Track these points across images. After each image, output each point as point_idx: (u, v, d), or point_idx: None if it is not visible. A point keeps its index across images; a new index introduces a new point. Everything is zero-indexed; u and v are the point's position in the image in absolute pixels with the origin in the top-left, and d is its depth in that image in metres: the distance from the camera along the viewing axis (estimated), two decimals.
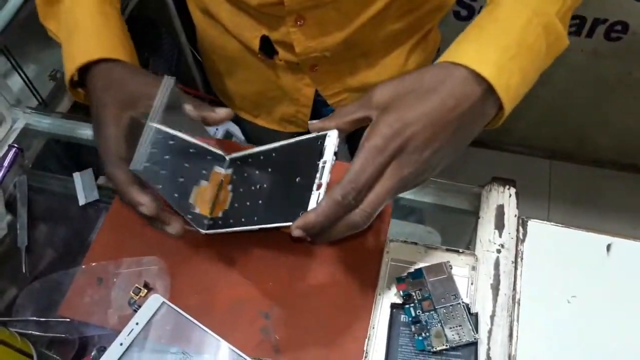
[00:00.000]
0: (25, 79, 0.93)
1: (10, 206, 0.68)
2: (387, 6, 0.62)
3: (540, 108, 1.59)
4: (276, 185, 0.51)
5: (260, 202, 0.52)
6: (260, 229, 0.49)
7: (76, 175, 0.68)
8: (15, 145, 0.70)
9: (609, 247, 0.59)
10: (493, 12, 0.47)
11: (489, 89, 0.44)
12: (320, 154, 0.46)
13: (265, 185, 0.52)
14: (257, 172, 0.54)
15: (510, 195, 0.62)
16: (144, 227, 0.62)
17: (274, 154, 0.53)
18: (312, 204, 0.44)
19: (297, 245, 0.59)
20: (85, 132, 0.73)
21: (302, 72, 0.69)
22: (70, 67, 0.54)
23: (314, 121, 0.48)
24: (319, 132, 0.48)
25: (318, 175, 0.45)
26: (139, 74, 0.53)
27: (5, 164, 0.68)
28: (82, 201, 0.67)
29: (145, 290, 0.57)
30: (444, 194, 0.64)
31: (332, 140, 0.46)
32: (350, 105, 0.46)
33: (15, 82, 0.95)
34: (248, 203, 0.53)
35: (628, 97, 1.49)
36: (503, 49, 0.44)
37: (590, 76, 1.46)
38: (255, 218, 0.50)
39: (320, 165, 0.46)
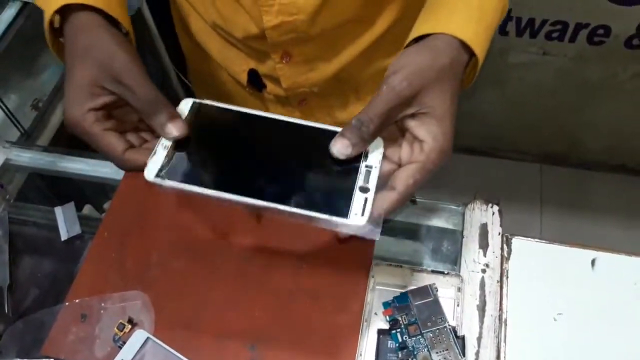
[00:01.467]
0: (6, 110, 0.93)
1: None
2: (376, 42, 0.62)
3: (528, 113, 1.60)
4: (285, 165, 0.45)
5: (272, 177, 0.44)
6: (296, 213, 0.42)
7: (57, 210, 0.67)
8: None
9: (593, 261, 0.59)
10: None
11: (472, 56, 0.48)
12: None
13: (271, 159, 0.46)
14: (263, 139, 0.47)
15: (493, 213, 0.62)
16: (127, 261, 0.62)
17: (286, 129, 0.46)
18: (356, 208, 0.42)
19: (280, 272, 0.59)
20: (67, 164, 0.72)
21: (291, 106, 0.69)
22: (47, 10, 0.47)
23: (343, 145, 0.43)
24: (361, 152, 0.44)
25: (362, 177, 0.43)
26: (120, 47, 0.46)
27: None
28: (64, 236, 0.66)
29: (130, 326, 0.57)
30: (428, 213, 0.64)
31: (378, 148, 0.44)
32: (382, 113, 0.43)
33: None
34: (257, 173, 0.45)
35: (615, 99, 1.50)
36: (482, 20, 0.48)
37: (576, 80, 1.47)
38: (285, 199, 0.43)
39: (364, 167, 0.43)
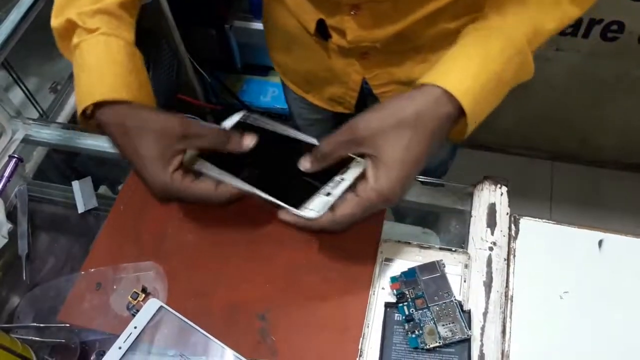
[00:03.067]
0: (26, 91, 0.95)
1: (11, 216, 0.69)
2: (444, 6, 0.63)
3: (540, 109, 1.60)
4: (279, 164, 0.56)
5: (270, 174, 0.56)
6: (266, 199, 0.52)
7: (75, 184, 0.69)
8: (15, 155, 0.71)
9: (600, 242, 0.60)
10: (482, 39, 0.52)
11: (461, 113, 0.49)
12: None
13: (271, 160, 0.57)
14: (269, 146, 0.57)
15: (501, 194, 0.62)
16: (141, 233, 0.63)
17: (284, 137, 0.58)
18: (315, 205, 0.50)
19: (291, 246, 0.60)
20: (84, 141, 0.74)
21: (352, 58, 0.71)
22: (78, 107, 0.54)
23: (306, 161, 0.53)
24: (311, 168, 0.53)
25: (331, 184, 0.52)
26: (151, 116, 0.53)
27: (6, 174, 0.69)
28: (81, 209, 0.68)
29: (143, 295, 0.58)
30: (437, 194, 0.65)
31: (359, 168, 0.52)
32: (334, 143, 0.51)
33: (17, 94, 0.97)
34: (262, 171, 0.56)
35: (628, 96, 1.49)
36: (483, 83, 0.49)
37: (588, 76, 1.47)
38: (266, 188, 0.53)
39: (338, 178, 0.52)
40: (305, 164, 0.53)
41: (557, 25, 0.53)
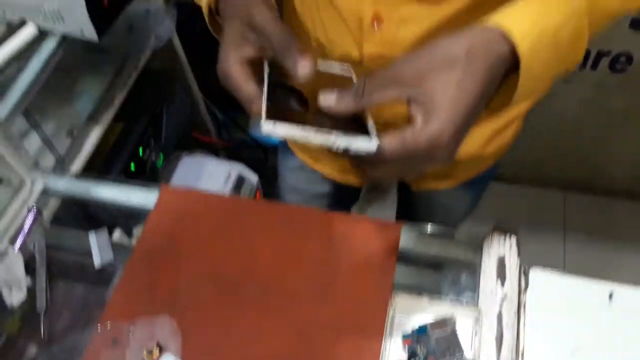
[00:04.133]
0: (44, 138, 0.98)
1: (29, 266, 0.70)
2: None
3: (552, 140, 1.60)
4: None
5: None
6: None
7: (92, 235, 0.70)
8: (35, 207, 0.73)
9: (611, 295, 0.60)
10: None
11: (515, 62, 0.44)
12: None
13: None
14: None
15: (510, 246, 0.63)
16: (157, 287, 0.64)
17: None
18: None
19: (301, 302, 0.61)
20: (101, 192, 0.76)
21: None
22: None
23: (331, 96, 0.46)
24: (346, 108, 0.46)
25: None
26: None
27: (25, 228, 0.71)
28: (97, 262, 0.69)
29: (158, 351, 0.59)
30: (448, 246, 0.65)
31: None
32: (376, 80, 0.45)
33: (34, 138, 0.99)
34: None
35: (638, 127, 1.49)
36: (541, 32, 0.43)
37: (598, 107, 1.47)
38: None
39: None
40: (328, 100, 0.45)
41: (619, 6, 0.48)
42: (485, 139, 0.73)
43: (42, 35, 0.89)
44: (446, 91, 0.42)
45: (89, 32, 0.83)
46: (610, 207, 1.70)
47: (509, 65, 0.44)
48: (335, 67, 0.56)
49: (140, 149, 1.20)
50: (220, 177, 1.35)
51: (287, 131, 0.44)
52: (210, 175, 1.37)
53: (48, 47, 0.88)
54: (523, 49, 0.43)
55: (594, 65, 1.36)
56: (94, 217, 1.03)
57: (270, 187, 1.60)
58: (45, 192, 0.78)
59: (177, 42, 1.21)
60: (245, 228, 0.68)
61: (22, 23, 0.86)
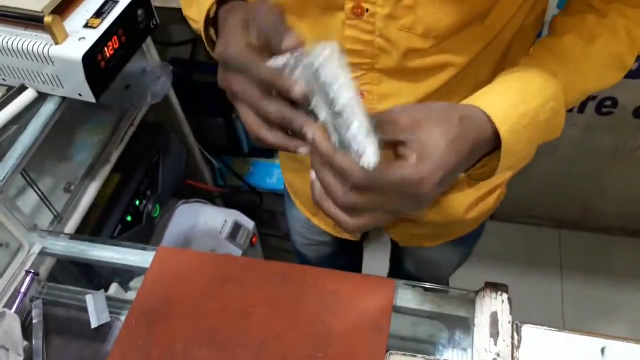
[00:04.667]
0: (41, 195, 0.99)
1: (26, 328, 0.71)
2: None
3: (543, 179, 1.62)
4: None
5: None
6: None
7: (88, 298, 0.71)
8: (32, 270, 0.74)
9: (603, 350, 0.60)
10: (523, 73, 0.51)
11: (497, 145, 0.47)
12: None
13: None
14: None
15: (502, 301, 0.64)
16: (152, 349, 0.65)
17: None
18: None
19: None
20: (97, 253, 0.76)
21: None
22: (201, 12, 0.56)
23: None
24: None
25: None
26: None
27: (22, 289, 0.72)
28: (94, 323, 0.70)
29: None
30: (441, 301, 0.66)
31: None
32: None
33: (31, 196, 1.00)
34: None
35: (626, 165, 1.52)
36: (521, 115, 0.47)
37: (587, 148, 1.50)
38: None
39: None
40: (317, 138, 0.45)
41: (594, 86, 0.54)
42: (467, 205, 0.75)
43: (41, 96, 0.91)
44: (439, 142, 0.44)
45: (87, 94, 0.86)
46: (604, 243, 1.72)
47: (493, 144, 0.48)
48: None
49: (137, 201, 1.21)
50: (217, 224, 1.36)
51: None
52: (206, 222, 1.38)
53: (47, 109, 0.90)
54: (504, 133, 0.46)
55: (581, 110, 1.40)
56: (91, 271, 1.04)
57: (266, 229, 1.61)
58: (43, 253, 0.78)
59: (173, 98, 1.24)
60: (240, 287, 0.69)
61: (22, 87, 0.88)
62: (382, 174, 0.43)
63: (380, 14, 0.55)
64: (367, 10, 0.55)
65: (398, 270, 1.07)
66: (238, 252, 1.31)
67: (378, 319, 0.64)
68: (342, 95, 0.43)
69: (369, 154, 0.42)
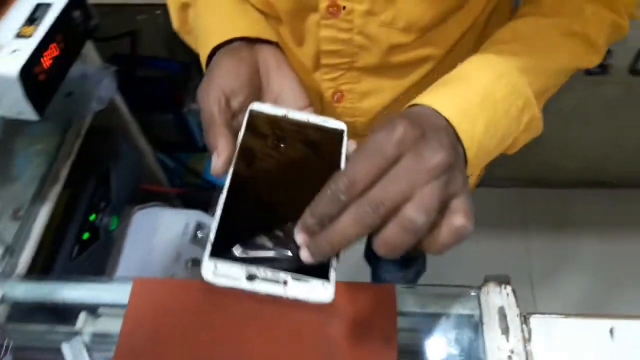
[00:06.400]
0: None
1: None
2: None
3: None
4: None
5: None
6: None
7: (65, 347, 0.65)
8: None
9: (611, 330, 0.60)
10: (458, 70, 0.48)
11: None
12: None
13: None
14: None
15: (508, 295, 0.62)
16: None
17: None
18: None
19: None
20: (65, 294, 0.70)
21: None
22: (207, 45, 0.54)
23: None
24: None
25: None
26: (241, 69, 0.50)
27: None
28: None
29: None
30: (443, 301, 0.64)
31: None
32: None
33: None
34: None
35: (585, 122, 1.56)
36: (465, 98, 0.44)
37: (549, 110, 1.52)
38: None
39: None
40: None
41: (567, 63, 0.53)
42: None
43: None
44: (389, 125, 0.40)
45: (28, 112, 0.77)
46: (566, 197, 1.77)
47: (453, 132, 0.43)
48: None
49: (92, 216, 1.13)
50: (178, 227, 1.29)
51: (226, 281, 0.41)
52: (167, 227, 1.31)
53: None
54: (452, 115, 0.43)
55: None
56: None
57: None
58: (5, 300, 0.71)
59: (119, 101, 1.15)
60: (231, 313, 0.64)
61: None
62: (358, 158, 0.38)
63: (358, 11, 0.52)
64: (344, 8, 0.51)
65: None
66: None
67: (385, 328, 0.61)
68: None
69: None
